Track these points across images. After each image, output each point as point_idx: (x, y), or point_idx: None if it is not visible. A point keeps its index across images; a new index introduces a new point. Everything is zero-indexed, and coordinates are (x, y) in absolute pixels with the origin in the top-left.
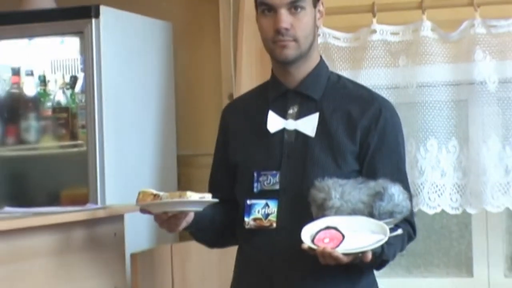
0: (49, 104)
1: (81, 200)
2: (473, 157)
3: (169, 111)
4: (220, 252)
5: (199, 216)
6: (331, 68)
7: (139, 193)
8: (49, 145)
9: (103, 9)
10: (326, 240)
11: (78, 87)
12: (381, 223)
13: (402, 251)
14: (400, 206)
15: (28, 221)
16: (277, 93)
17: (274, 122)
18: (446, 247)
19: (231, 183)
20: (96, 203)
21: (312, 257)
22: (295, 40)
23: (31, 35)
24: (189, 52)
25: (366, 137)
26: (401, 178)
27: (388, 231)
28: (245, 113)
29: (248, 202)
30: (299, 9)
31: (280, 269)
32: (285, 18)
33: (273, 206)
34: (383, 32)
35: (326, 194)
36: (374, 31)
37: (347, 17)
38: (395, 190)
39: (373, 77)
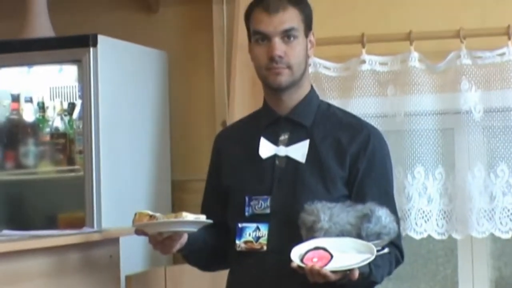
0: (47, 130)
1: (78, 223)
2: (459, 184)
3: (164, 137)
4: (213, 276)
5: (192, 239)
6: (321, 97)
7: (135, 214)
8: (47, 169)
9: (100, 38)
10: (315, 260)
11: (75, 113)
12: (368, 243)
13: (390, 274)
14: (387, 228)
15: (25, 244)
16: (269, 120)
17: (266, 148)
18: (433, 272)
19: (223, 208)
20: (92, 226)
21: (301, 278)
22: (289, 67)
23: (30, 63)
24: (183, 80)
25: (355, 163)
26: (388, 202)
27: (375, 250)
28: (237, 139)
29: (240, 225)
30: (292, 38)
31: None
32: (279, 46)
33: (263, 230)
34: (372, 62)
35: (316, 217)
36: (364, 61)
37: (337, 47)
38: (382, 213)
39: (362, 106)
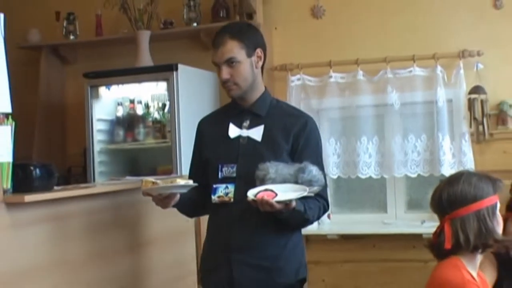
0: (150, 119)
1: (168, 171)
2: (387, 146)
3: None
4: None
5: (182, 197)
6: (306, 99)
7: (141, 181)
8: (150, 142)
9: (180, 66)
10: (265, 197)
11: (166, 109)
12: (301, 186)
13: (319, 219)
14: (316, 178)
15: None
16: (236, 111)
17: (233, 131)
18: (372, 198)
19: (204, 173)
20: (176, 173)
21: (257, 220)
22: (235, 84)
23: (140, 81)
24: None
25: (297, 139)
26: (319, 165)
27: (307, 189)
28: (214, 124)
29: (214, 186)
30: (234, 63)
31: (235, 228)
32: (225, 71)
33: (231, 188)
34: (336, 77)
35: (265, 171)
36: (331, 76)
37: (315, 68)
38: (313, 168)
39: (331, 102)
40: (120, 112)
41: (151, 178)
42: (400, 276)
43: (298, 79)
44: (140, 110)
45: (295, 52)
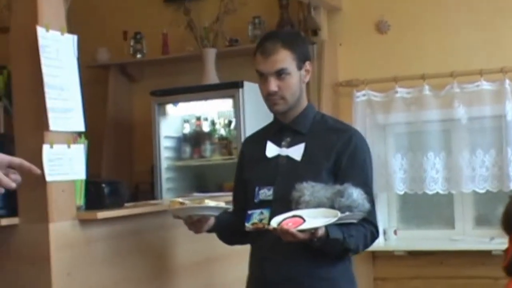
0: (216, 136)
1: None
2: (454, 161)
3: None
4: None
5: (220, 221)
6: (372, 114)
7: (170, 202)
8: (217, 158)
9: (245, 83)
10: (290, 224)
11: (232, 126)
12: (333, 210)
13: (367, 247)
14: (357, 203)
15: (213, 198)
16: (276, 128)
17: (271, 150)
18: (439, 213)
19: (244, 196)
20: None
21: (294, 248)
22: (282, 98)
23: (206, 98)
24: None
25: (339, 157)
26: (366, 189)
27: (338, 214)
28: (254, 143)
29: (249, 212)
30: (283, 75)
31: (269, 259)
32: (273, 83)
33: (266, 213)
34: (401, 92)
35: (301, 193)
36: (396, 92)
37: (380, 84)
38: (354, 191)
39: (395, 117)
40: (187, 129)
41: (179, 199)
42: None
43: (364, 95)
44: (206, 127)
45: (360, 67)
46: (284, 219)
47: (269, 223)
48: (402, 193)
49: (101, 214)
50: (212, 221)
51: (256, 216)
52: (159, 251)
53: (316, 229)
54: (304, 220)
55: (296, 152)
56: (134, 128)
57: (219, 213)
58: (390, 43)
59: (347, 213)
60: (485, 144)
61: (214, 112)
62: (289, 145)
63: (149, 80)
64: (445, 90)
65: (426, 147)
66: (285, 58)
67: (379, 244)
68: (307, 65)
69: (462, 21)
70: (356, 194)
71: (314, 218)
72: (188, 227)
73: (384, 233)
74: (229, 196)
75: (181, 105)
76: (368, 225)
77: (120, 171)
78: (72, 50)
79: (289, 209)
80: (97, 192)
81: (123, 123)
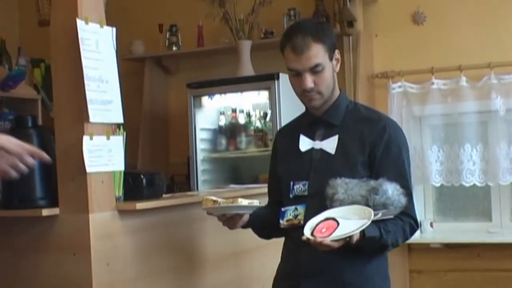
0: (252, 128)
1: None
2: (492, 153)
3: None
4: None
5: (255, 216)
6: (408, 105)
7: (203, 199)
8: (252, 150)
9: (281, 74)
10: (324, 230)
11: (268, 118)
12: (367, 208)
13: (407, 240)
14: (392, 199)
15: (247, 191)
16: (308, 120)
17: (305, 143)
18: (475, 205)
19: (279, 190)
20: None
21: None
22: (319, 93)
23: (242, 90)
24: None
25: (373, 149)
26: (402, 180)
27: (372, 215)
28: (287, 136)
29: (282, 209)
30: (319, 70)
31: (304, 252)
32: (309, 79)
33: (301, 209)
34: (438, 83)
35: (335, 190)
36: (433, 83)
37: (416, 75)
38: (390, 187)
39: (432, 109)
40: (223, 121)
41: (212, 197)
42: (506, 286)
43: (399, 86)
44: (242, 119)
45: (396, 59)
46: (317, 224)
47: (304, 219)
48: (438, 185)
49: (140, 205)
50: (246, 217)
51: (291, 213)
52: (193, 243)
53: (350, 236)
54: (338, 223)
55: (330, 144)
56: (170, 120)
57: (252, 211)
58: (426, 34)
59: (382, 211)
60: None
61: (249, 104)
62: (323, 138)
63: (184, 72)
64: (482, 82)
65: (463, 138)
66: (318, 53)
67: (415, 236)
68: (337, 53)
69: (499, 12)
70: (391, 190)
71: (347, 220)
72: (222, 223)
73: (420, 225)
74: (264, 188)
75: (217, 97)
76: (406, 217)
77: (155, 162)
78: (111, 43)
79: (323, 205)
80: (136, 183)
81: (158, 115)
